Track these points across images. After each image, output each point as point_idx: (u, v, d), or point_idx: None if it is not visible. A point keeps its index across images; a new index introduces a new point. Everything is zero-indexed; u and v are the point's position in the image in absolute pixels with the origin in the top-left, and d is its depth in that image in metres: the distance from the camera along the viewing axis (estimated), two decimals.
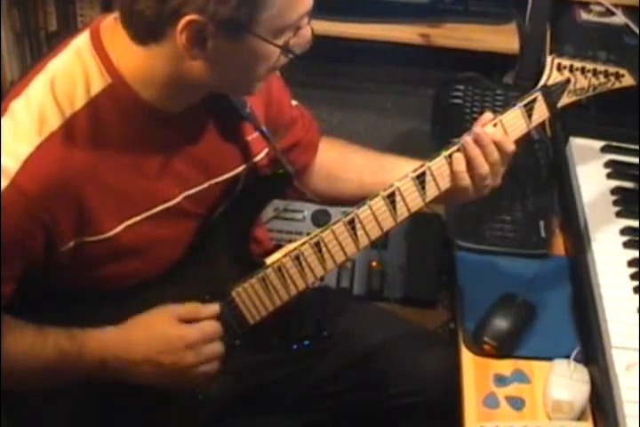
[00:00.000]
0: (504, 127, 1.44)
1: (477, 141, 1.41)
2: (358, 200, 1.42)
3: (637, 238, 1.63)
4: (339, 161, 1.65)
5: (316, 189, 1.65)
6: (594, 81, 1.51)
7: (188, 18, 1.17)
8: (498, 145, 1.42)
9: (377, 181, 1.50)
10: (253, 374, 1.60)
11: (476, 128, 1.42)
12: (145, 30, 1.23)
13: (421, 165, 1.42)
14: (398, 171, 1.46)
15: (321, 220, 2.27)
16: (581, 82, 1.50)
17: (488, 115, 1.45)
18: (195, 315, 1.41)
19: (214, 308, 1.42)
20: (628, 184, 1.76)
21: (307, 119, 1.65)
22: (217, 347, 1.42)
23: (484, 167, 1.42)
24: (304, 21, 1.27)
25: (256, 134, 1.47)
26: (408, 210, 1.42)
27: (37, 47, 2.41)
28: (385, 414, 1.71)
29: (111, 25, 1.29)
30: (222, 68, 1.26)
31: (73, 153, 1.27)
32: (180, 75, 1.26)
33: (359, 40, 2.23)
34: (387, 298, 2.22)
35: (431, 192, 1.43)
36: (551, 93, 1.47)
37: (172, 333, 1.39)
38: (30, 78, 1.30)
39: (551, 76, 1.48)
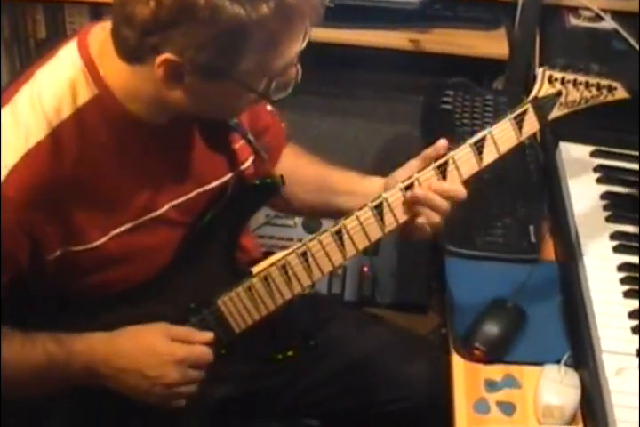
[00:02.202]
0: (494, 139, 1.43)
1: (417, 202, 1.40)
2: (309, 214, 1.42)
3: (627, 243, 1.63)
4: (288, 173, 1.62)
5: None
6: (586, 93, 1.50)
7: (165, 56, 1.18)
8: (446, 195, 1.40)
9: (320, 201, 1.53)
10: (241, 381, 1.60)
11: (412, 193, 1.39)
12: (128, 54, 1.24)
13: (410, 177, 1.41)
14: (342, 192, 1.51)
15: (312, 226, 2.27)
16: (573, 94, 1.49)
17: (443, 142, 1.42)
18: (188, 337, 1.41)
19: (209, 335, 1.43)
20: (618, 189, 1.76)
21: (278, 126, 1.64)
22: (200, 373, 1.43)
23: (434, 216, 1.41)
24: (291, 63, 1.27)
25: (243, 142, 1.47)
26: (396, 221, 1.42)
27: (27, 55, 2.41)
28: (376, 420, 1.71)
29: (99, 35, 1.29)
30: (200, 102, 1.27)
31: (59, 162, 1.27)
32: (162, 96, 1.27)
33: (349, 46, 2.22)
34: (378, 304, 2.22)
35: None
36: (542, 106, 1.46)
37: (163, 347, 1.39)
38: (18, 87, 1.31)
39: (542, 88, 1.47)
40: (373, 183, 1.54)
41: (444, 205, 1.41)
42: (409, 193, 1.40)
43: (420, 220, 1.41)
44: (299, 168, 1.65)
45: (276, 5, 1.16)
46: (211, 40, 1.16)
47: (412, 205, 1.40)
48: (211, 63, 1.19)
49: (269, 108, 1.61)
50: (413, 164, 1.45)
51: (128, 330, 1.40)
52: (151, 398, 1.42)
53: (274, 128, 1.62)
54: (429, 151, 1.43)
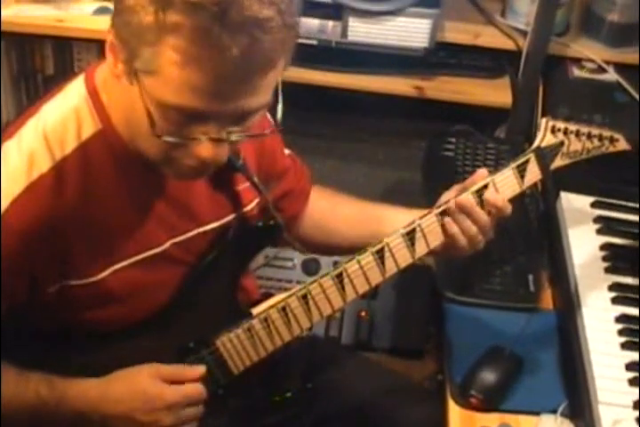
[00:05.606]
0: (496, 187, 1.43)
1: (462, 210, 1.41)
2: (348, 250, 1.41)
3: (626, 294, 1.63)
4: (328, 211, 1.65)
5: (306, 237, 1.65)
6: (588, 144, 1.51)
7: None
8: (496, 209, 1.42)
9: (366, 233, 1.49)
10: (236, 421, 1.58)
11: (459, 199, 1.41)
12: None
13: (412, 222, 1.41)
14: (388, 221, 1.46)
15: (311, 268, 2.27)
16: (575, 145, 1.50)
17: (483, 172, 1.45)
18: (179, 376, 1.40)
19: (200, 370, 1.41)
20: (618, 240, 1.76)
21: (299, 168, 1.65)
22: (196, 410, 1.41)
23: (472, 230, 1.42)
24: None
25: (247, 184, 1.46)
26: (397, 266, 1.42)
27: (34, 90, 2.42)
28: None
29: (105, 70, 1.30)
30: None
31: (61, 196, 1.27)
32: None
33: (353, 91, 2.24)
34: (375, 348, 2.21)
35: (421, 249, 1.42)
36: (544, 156, 1.47)
37: (153, 392, 1.37)
38: (24, 120, 1.31)
39: (545, 138, 1.48)
40: (412, 212, 1.51)
41: (483, 217, 1.42)
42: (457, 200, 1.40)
43: (456, 232, 1.41)
44: (339, 205, 1.66)
45: None
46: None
47: (453, 213, 1.41)
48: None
49: (287, 151, 1.62)
50: (450, 193, 1.46)
51: (119, 374, 1.38)
52: None
53: (294, 171, 1.63)
54: (468, 182, 1.44)
